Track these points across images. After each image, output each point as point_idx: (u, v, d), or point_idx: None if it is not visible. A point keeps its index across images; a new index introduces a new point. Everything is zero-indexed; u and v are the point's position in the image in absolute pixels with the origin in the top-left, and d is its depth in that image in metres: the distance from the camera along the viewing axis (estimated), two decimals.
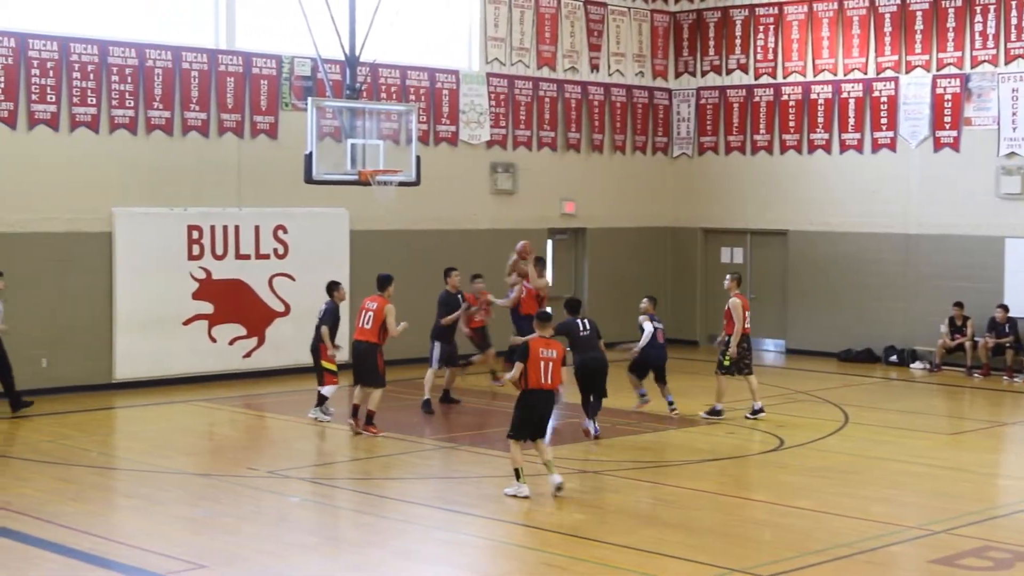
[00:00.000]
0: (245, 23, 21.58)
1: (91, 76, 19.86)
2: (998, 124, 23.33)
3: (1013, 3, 23.22)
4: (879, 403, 20.09)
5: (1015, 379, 22.34)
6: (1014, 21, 23.22)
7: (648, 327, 18.33)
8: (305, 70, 21.92)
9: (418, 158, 19.80)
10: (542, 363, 13.38)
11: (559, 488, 13.39)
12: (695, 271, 27.39)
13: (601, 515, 12.97)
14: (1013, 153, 23.23)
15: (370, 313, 16.92)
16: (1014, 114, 23.18)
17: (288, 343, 21.64)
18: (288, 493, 13.75)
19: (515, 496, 13.32)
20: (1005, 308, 22.78)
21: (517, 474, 13.39)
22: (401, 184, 19.43)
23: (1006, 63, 23.28)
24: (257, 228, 21.45)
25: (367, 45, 19.70)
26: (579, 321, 16.68)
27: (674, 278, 27.61)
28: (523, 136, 25.13)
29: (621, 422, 17.80)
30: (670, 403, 18.37)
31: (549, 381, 13.43)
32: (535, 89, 25.19)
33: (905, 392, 21.57)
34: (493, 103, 24.58)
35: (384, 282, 17.22)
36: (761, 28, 26.23)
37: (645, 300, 18.78)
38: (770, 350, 26.48)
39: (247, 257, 21.34)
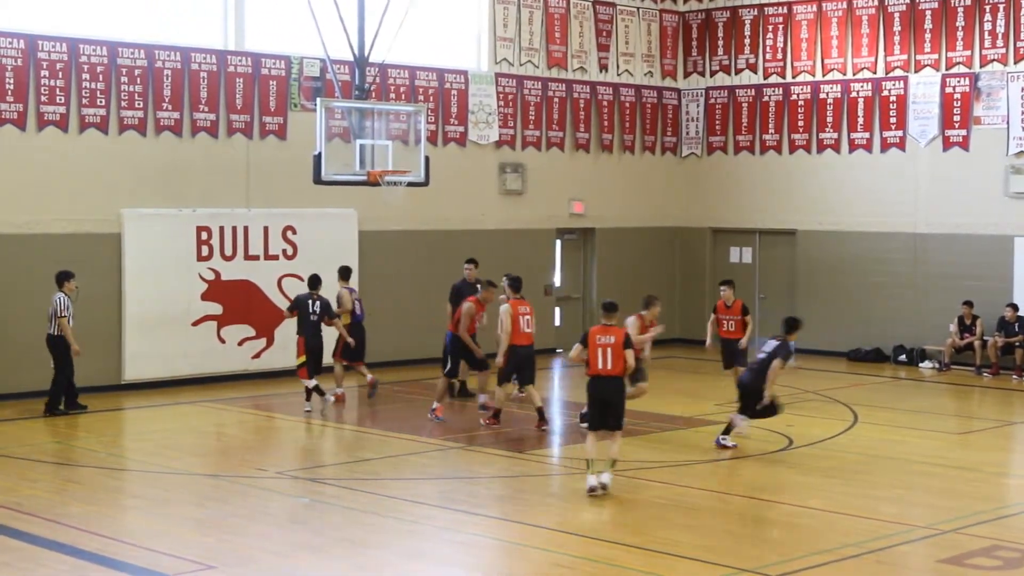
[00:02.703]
0: (254, 24, 21.58)
1: (100, 77, 19.86)
2: (1007, 123, 23.26)
3: (1023, 2, 23.14)
4: (888, 402, 20.04)
5: None
6: None
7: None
8: (314, 71, 21.91)
9: (427, 158, 19.77)
10: (599, 349, 13.78)
11: (603, 487, 13.43)
12: (704, 271, 27.33)
13: (610, 515, 12.94)
14: (1022, 152, 23.15)
15: (529, 317, 17.59)
16: (1023, 113, 23.11)
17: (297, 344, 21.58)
18: (297, 494, 13.73)
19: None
20: (1014, 307, 22.70)
21: (587, 464, 13.63)
22: (410, 185, 19.41)
23: (1015, 62, 23.19)
24: (266, 229, 21.43)
25: (376, 45, 19.67)
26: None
27: (683, 278, 27.56)
28: (532, 136, 25.09)
29: (631, 422, 17.73)
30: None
31: (608, 367, 13.74)
32: (544, 89, 25.16)
33: (914, 391, 21.51)
34: (502, 103, 24.54)
35: (521, 283, 17.92)
36: (770, 28, 26.18)
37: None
38: None
39: (256, 258, 21.32)
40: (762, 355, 15.90)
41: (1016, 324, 22.62)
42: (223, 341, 21.04)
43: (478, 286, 18.92)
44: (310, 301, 18.57)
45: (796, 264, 26.08)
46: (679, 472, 14.84)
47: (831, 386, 21.46)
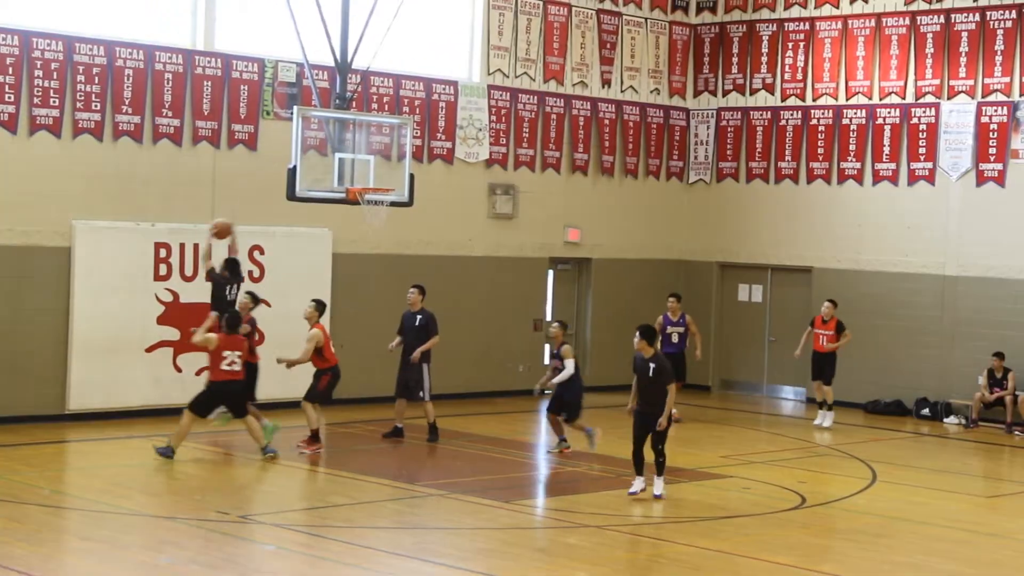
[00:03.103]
0: (225, 22, 21.80)
1: (54, 75, 20.04)
2: None
3: None
4: (910, 460, 20.27)
5: None
6: None
7: (570, 364, 19.02)
8: (290, 75, 22.13)
9: (411, 176, 19.97)
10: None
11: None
12: (709, 309, 27.54)
13: (606, 573, 13.09)
14: None
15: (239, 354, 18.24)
16: None
17: (261, 375, 21.69)
18: (262, 540, 13.86)
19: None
20: None
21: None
22: (392, 204, 19.59)
23: None
24: (231, 247, 21.56)
25: (359, 50, 19.86)
26: (648, 361, 16.27)
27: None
28: (525, 155, 25.34)
29: (628, 472, 17.91)
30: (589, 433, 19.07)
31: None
32: (540, 104, 25.43)
33: (938, 449, 21.74)
34: (494, 118, 24.79)
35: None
36: (790, 45, 26.50)
37: (556, 325, 19.60)
38: (790, 399, 26.65)
39: None
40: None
41: None
42: (179, 370, 21.16)
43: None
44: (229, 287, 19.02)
45: (811, 305, 26.20)
46: (681, 529, 15.01)
47: (847, 441, 21.67)
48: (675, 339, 23.13)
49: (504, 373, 25.08)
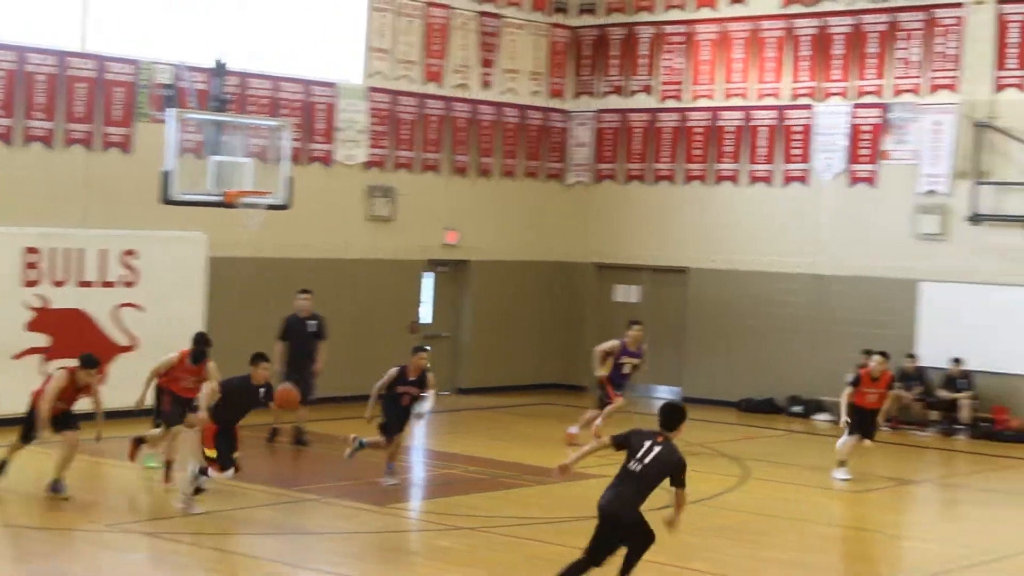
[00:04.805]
0: (100, 22, 21.47)
1: None
2: (918, 159, 24.02)
3: (938, 29, 23.90)
4: (782, 457, 20.55)
5: (924, 432, 23.03)
6: (939, 48, 23.92)
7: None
8: (166, 77, 21.87)
9: (290, 179, 19.86)
10: None
11: None
12: (585, 311, 27.67)
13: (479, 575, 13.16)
14: (932, 191, 23.92)
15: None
16: (935, 149, 23.86)
17: (133, 382, 21.35)
18: (131, 550, 13.72)
19: None
20: (913, 357, 23.38)
21: None
22: (270, 207, 19.48)
23: (930, 93, 24.00)
24: (103, 252, 21.31)
25: (237, 52, 19.72)
26: (647, 442, 11.92)
27: (564, 318, 27.77)
28: (404, 158, 25.29)
29: (503, 474, 17.99)
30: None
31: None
32: (420, 106, 25.39)
33: (810, 446, 22.00)
34: (374, 120, 24.70)
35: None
36: (669, 47, 26.69)
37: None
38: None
39: (90, 284, 21.20)
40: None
41: (917, 375, 23.32)
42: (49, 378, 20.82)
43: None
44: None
45: (686, 305, 26.52)
46: (556, 528, 15.07)
47: (720, 438, 21.83)
48: (626, 370, 20.87)
49: (382, 377, 24.90)
